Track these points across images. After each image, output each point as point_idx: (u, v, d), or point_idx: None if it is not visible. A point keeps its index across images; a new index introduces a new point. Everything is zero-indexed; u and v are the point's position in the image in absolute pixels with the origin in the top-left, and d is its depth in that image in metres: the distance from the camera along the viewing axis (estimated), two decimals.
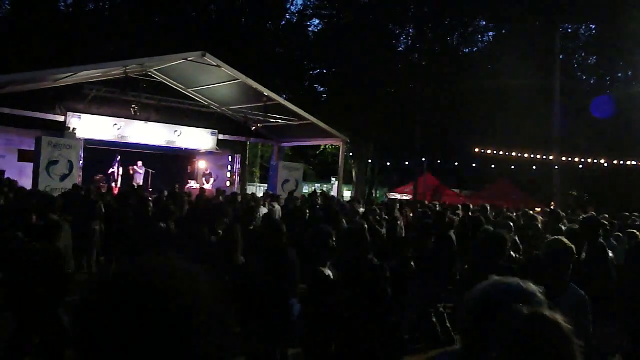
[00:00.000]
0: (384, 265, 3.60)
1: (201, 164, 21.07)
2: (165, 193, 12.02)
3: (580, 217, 8.24)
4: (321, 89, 35.67)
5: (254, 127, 20.06)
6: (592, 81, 33.95)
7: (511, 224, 7.03)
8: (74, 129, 16.30)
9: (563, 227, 6.83)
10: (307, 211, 9.75)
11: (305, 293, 4.20)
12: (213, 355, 0.90)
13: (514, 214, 10.32)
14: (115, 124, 17.40)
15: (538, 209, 13.49)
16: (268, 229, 5.27)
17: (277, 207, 11.19)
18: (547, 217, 8.18)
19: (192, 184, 19.65)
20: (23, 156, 17.12)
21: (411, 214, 12.05)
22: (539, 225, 7.85)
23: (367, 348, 2.87)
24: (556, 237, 3.74)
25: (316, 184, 37.40)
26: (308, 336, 3.17)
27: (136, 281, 0.91)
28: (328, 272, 4.32)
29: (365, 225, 6.43)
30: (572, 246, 3.43)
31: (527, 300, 1.60)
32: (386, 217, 8.52)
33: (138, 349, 0.85)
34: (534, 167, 28.03)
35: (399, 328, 2.88)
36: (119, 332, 0.86)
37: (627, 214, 11.16)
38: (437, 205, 13.35)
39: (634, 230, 7.40)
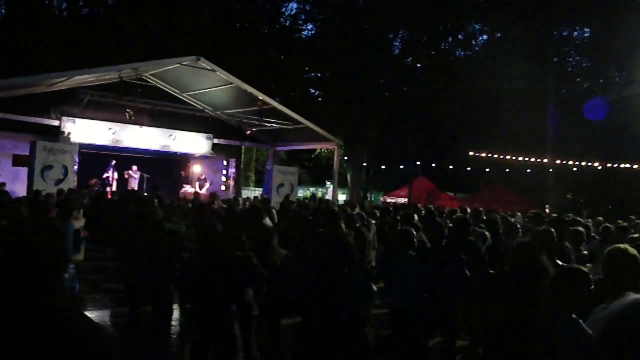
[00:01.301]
0: (358, 277, 3.57)
1: (196, 168, 21.06)
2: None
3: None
4: (316, 93, 35.68)
5: (248, 131, 20.11)
6: (586, 85, 34.05)
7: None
8: (68, 133, 16.31)
9: None
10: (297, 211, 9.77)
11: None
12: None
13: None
14: (110, 129, 17.41)
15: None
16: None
17: None
18: (529, 221, 8.19)
19: (187, 189, 19.65)
20: (18, 161, 17.12)
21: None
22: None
23: None
24: (619, 244, 3.66)
25: (311, 188, 37.46)
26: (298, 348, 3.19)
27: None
28: None
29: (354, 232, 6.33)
30: (636, 253, 3.34)
31: None
32: (374, 221, 8.48)
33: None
34: (528, 170, 28.15)
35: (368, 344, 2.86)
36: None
37: None
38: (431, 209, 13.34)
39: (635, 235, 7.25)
